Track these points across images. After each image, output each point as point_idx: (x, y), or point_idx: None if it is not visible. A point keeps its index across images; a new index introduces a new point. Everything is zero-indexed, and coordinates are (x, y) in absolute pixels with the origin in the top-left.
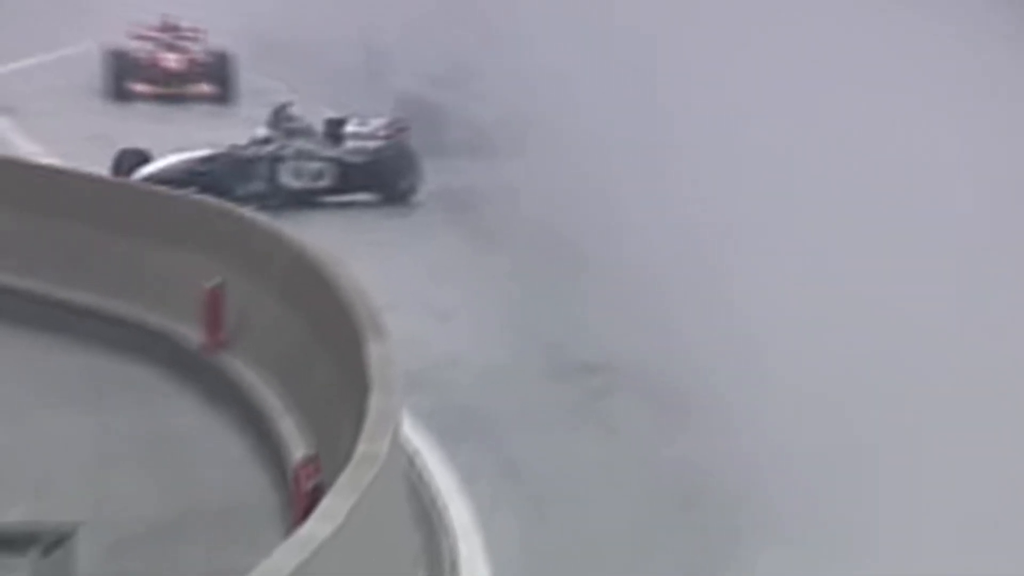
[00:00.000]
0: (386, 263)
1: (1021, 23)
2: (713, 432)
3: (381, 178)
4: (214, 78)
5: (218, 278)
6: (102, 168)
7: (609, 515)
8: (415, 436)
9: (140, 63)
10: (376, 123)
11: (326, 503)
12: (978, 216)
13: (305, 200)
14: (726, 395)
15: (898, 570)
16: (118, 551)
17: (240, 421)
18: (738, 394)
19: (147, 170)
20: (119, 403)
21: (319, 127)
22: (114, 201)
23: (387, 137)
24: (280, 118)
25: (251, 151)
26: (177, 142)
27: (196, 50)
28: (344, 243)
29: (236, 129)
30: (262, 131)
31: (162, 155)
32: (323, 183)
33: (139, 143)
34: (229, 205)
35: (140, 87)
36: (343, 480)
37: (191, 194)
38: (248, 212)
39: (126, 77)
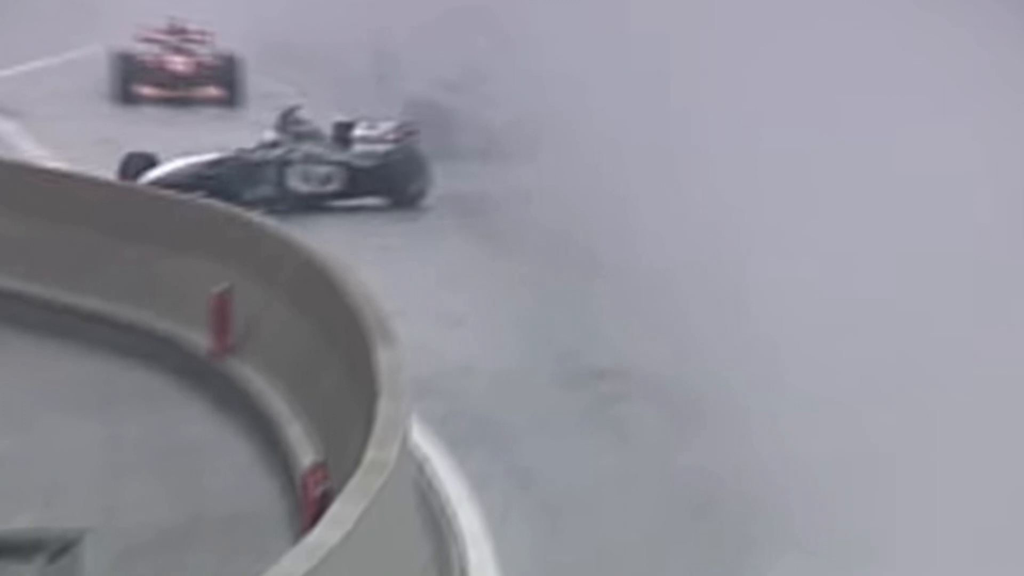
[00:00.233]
0: (395, 268)
1: None
2: (728, 439)
3: (390, 182)
4: (222, 81)
5: (225, 283)
6: (109, 172)
7: (622, 523)
8: (425, 443)
9: (147, 66)
10: (385, 127)
11: (335, 510)
12: (997, 221)
13: (313, 204)
14: (741, 401)
15: None
16: (127, 558)
17: (248, 427)
18: (753, 400)
19: (154, 174)
20: (127, 409)
21: (328, 131)
22: (121, 205)
23: (396, 141)
24: (288, 121)
25: (259, 155)
26: (184, 146)
27: (204, 53)
28: (353, 248)
29: (244, 133)
30: (270, 135)
31: (169, 159)
32: (331, 187)
33: (146, 147)
34: (236, 209)
35: (147, 90)
36: (352, 487)
37: (198, 198)
38: (256, 216)
39: (133, 80)
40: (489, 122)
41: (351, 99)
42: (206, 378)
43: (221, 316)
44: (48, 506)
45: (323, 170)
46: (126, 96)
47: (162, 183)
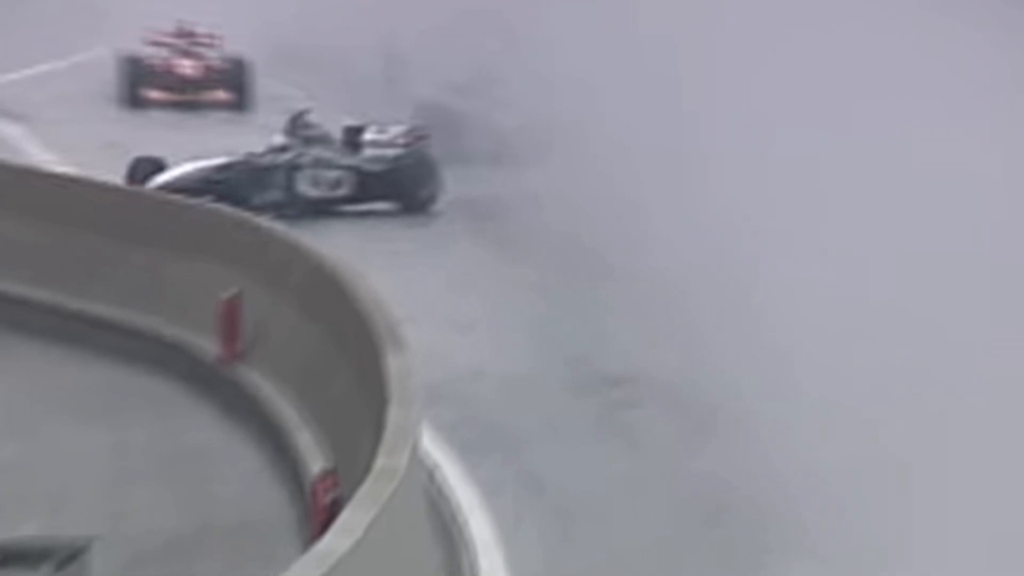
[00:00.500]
0: (405, 274)
1: None
2: (740, 445)
3: (400, 187)
4: (230, 85)
5: (234, 289)
6: (116, 177)
7: (633, 530)
8: (435, 449)
9: (155, 69)
10: (395, 131)
11: (344, 517)
12: (1010, 224)
13: (323, 209)
14: (753, 407)
15: None
16: (135, 566)
17: (257, 434)
18: (765, 406)
19: (162, 178)
20: (134, 416)
21: (337, 135)
22: (128, 210)
23: (406, 145)
24: (297, 125)
25: (268, 159)
26: (193, 150)
27: (212, 56)
28: (362, 253)
29: (253, 137)
30: (279, 139)
31: (177, 163)
32: (341, 192)
33: (154, 151)
34: (245, 214)
35: (155, 94)
36: (361, 494)
37: (207, 203)
38: (265, 221)
39: (141, 84)
40: (500, 126)
41: (361, 103)
42: (214, 384)
43: (230, 322)
44: (55, 513)
45: (333, 174)
46: (134, 100)
47: (170, 187)
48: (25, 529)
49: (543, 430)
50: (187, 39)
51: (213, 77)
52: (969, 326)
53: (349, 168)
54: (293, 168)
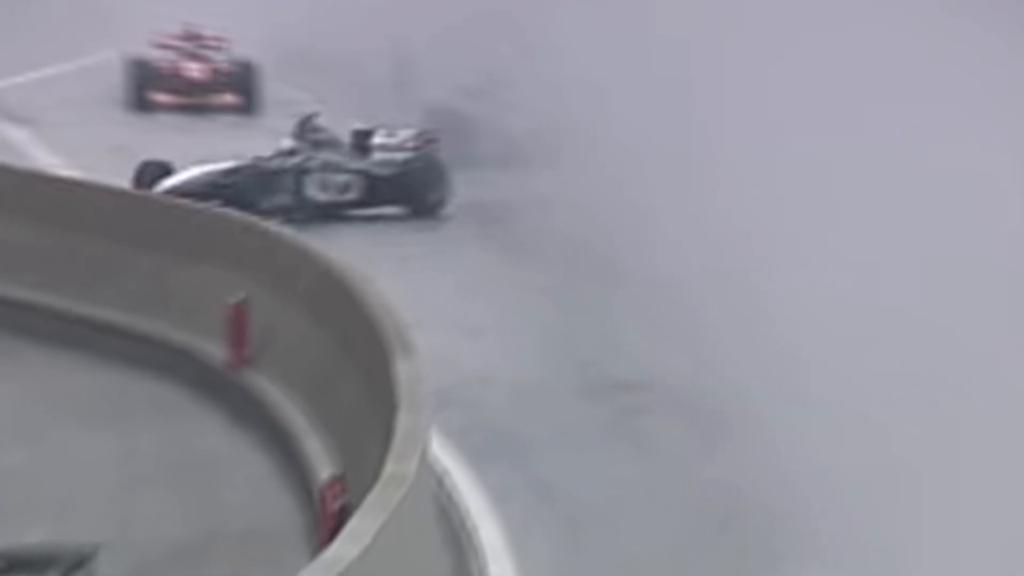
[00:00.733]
0: (415, 278)
1: None
2: (751, 451)
3: (410, 191)
4: (238, 88)
5: (242, 294)
6: (123, 181)
7: (644, 537)
8: (445, 455)
9: (162, 73)
10: (404, 134)
11: (353, 524)
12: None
13: (331, 213)
14: (764, 413)
15: None
16: (141, 573)
17: (265, 440)
18: (777, 412)
19: (169, 182)
20: (141, 422)
21: (346, 138)
22: (135, 215)
23: (416, 149)
24: (306, 129)
25: (276, 163)
26: (200, 154)
27: (220, 59)
28: (371, 257)
29: (261, 140)
30: (287, 142)
31: (185, 167)
32: (350, 196)
33: (161, 155)
34: (253, 219)
35: (162, 97)
36: (370, 501)
37: (214, 207)
38: (273, 226)
39: (148, 87)
40: (510, 130)
41: (370, 106)
42: (222, 390)
43: (238, 327)
44: (61, 520)
45: (341, 179)
46: (141, 103)
47: (177, 192)
48: (31, 536)
49: (553, 436)
50: (195, 42)
51: (221, 80)
52: (982, 331)
53: (358, 172)
54: (301, 172)
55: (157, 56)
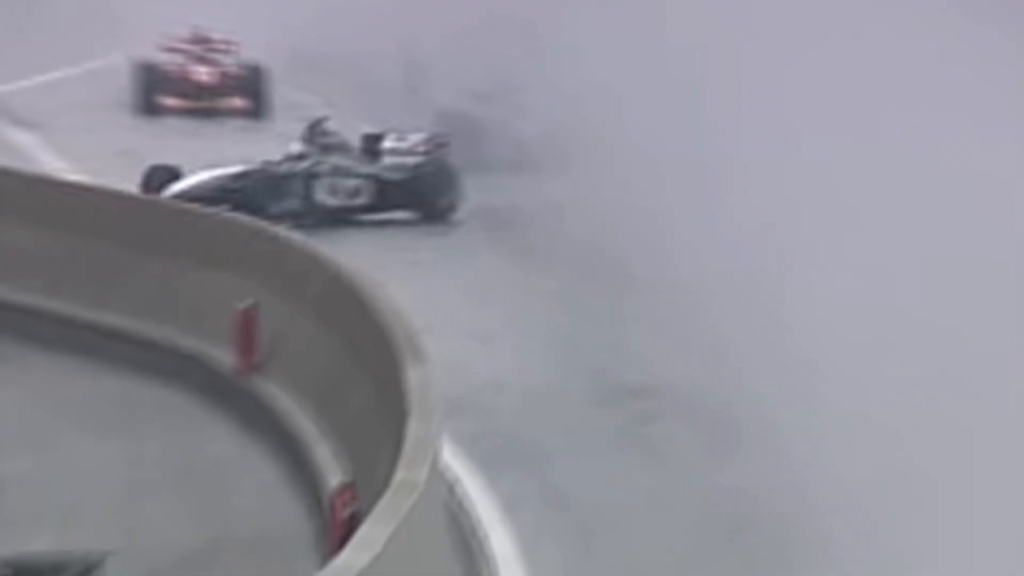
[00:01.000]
0: (425, 284)
1: None
2: (764, 458)
3: (420, 195)
4: (247, 92)
5: (251, 299)
6: (131, 185)
7: (656, 545)
8: (456, 463)
9: (170, 76)
10: (415, 138)
11: (363, 532)
12: None
13: (341, 218)
14: (777, 419)
15: None
16: None
17: (274, 447)
18: (790, 418)
19: (178, 187)
20: (149, 428)
21: (356, 143)
22: (143, 219)
23: (426, 153)
24: (315, 133)
25: (285, 167)
26: (209, 158)
27: (228, 63)
28: (381, 263)
29: (270, 144)
30: (297, 147)
31: (193, 171)
32: (360, 200)
33: (169, 159)
34: (262, 223)
35: (170, 101)
36: (380, 508)
37: (223, 212)
38: (282, 231)
39: (156, 91)
40: (521, 134)
41: (380, 110)
42: (231, 396)
43: (246, 333)
44: (68, 528)
45: (351, 183)
46: (148, 107)
47: (186, 196)
48: (38, 544)
49: (564, 442)
50: (203, 45)
51: (229, 84)
52: (996, 336)
53: (368, 176)
54: (311, 176)
55: (165, 59)
